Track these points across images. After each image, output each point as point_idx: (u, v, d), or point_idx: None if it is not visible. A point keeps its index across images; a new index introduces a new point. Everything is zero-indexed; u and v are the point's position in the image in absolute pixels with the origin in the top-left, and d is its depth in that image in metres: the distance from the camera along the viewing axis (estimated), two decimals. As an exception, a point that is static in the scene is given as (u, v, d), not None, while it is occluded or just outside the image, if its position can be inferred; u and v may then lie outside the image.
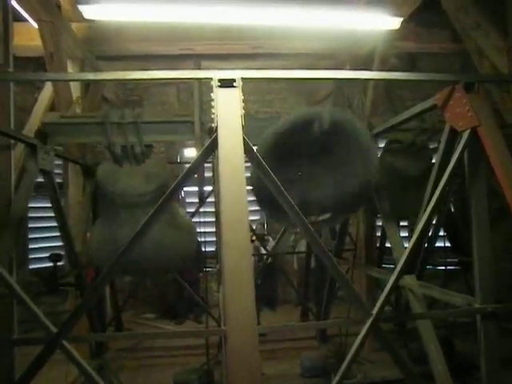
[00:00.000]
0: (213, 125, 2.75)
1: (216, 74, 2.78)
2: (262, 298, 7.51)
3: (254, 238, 6.89)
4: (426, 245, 5.72)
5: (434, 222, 5.11)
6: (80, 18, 5.05)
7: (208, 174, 5.38)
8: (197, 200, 6.40)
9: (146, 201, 4.03)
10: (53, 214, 4.44)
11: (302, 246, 8.05)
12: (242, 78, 2.78)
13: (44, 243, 8.06)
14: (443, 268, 6.80)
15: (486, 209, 3.03)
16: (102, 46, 6.13)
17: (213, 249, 5.82)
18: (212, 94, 2.79)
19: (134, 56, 6.59)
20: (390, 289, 2.95)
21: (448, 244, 6.50)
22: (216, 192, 4.74)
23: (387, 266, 6.08)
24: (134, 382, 5.13)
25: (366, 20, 4.66)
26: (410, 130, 4.56)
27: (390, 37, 5.42)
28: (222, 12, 4.19)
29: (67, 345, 2.59)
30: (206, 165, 4.69)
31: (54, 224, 4.60)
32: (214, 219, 4.86)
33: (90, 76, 3.15)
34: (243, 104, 2.75)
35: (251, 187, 3.52)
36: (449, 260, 6.74)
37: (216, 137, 2.59)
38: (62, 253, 5.14)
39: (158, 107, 9.17)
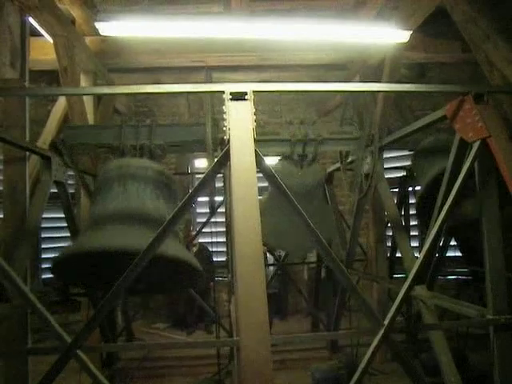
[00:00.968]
0: (225, 137, 2.80)
1: (228, 87, 2.83)
2: (273, 308, 7.50)
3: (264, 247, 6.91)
4: (437, 255, 5.72)
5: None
6: (93, 32, 5.17)
7: (218, 184, 5.43)
8: (207, 210, 6.46)
9: (142, 175, 3.73)
10: (65, 224, 4.52)
11: (313, 256, 8.05)
12: (254, 91, 2.82)
13: (56, 253, 8.13)
14: (455, 278, 6.77)
15: (498, 219, 3.02)
16: (114, 59, 6.23)
17: (223, 259, 5.85)
18: (224, 107, 2.84)
19: (146, 68, 6.70)
20: (402, 299, 2.95)
21: (459, 254, 6.47)
22: (227, 203, 4.79)
23: (398, 276, 6.07)
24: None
25: (375, 34, 4.70)
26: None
27: (399, 47, 5.45)
28: (234, 28, 4.29)
29: (82, 354, 2.62)
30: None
31: (67, 234, 4.68)
32: (223, 229, 4.91)
33: (105, 90, 3.22)
34: (254, 117, 2.79)
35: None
36: (460, 270, 6.71)
37: (228, 149, 2.63)
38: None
39: (169, 118, 9.27)
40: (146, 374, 5.73)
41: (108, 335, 5.54)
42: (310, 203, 4.52)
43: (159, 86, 2.97)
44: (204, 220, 6.80)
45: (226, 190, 4.69)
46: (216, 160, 2.74)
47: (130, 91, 3.05)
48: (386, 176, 4.64)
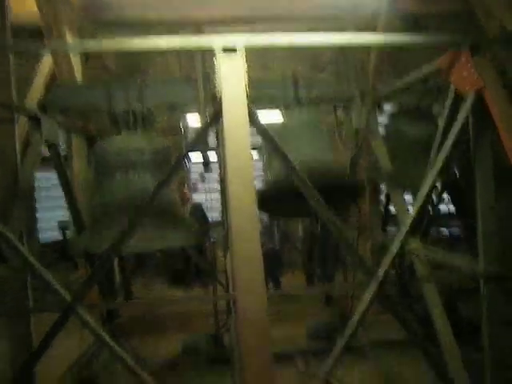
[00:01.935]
0: (216, 93, 2.74)
1: (218, 41, 2.74)
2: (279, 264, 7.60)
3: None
4: (430, 209, 5.78)
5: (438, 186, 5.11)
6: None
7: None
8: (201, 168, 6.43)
9: (143, 160, 3.82)
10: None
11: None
12: (246, 45, 2.74)
13: (51, 213, 8.15)
14: (447, 233, 6.87)
15: (491, 173, 3.02)
16: (100, 14, 6.00)
17: (218, 215, 5.88)
18: (215, 61, 2.75)
19: (134, 24, 6.46)
20: (395, 252, 2.99)
21: (452, 208, 6.54)
22: (221, 160, 4.76)
23: (392, 230, 6.14)
24: (146, 346, 5.27)
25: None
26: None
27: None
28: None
29: (82, 311, 2.67)
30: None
31: (61, 195, 4.66)
32: (218, 186, 4.90)
33: (91, 45, 3.12)
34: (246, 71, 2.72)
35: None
36: (452, 224, 6.80)
37: (220, 105, 2.58)
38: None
39: (160, 75, 9.04)
40: (145, 330, 5.86)
41: (107, 294, 5.64)
42: (314, 138, 4.46)
43: (147, 40, 2.87)
44: (198, 178, 6.80)
45: (220, 146, 4.66)
46: (209, 116, 2.70)
47: (116, 46, 2.94)
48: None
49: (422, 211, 3.19)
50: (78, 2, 5.64)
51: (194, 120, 9.26)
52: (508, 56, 4.18)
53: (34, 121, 3.98)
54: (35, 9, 4.86)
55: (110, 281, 6.29)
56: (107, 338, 2.73)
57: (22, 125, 4.59)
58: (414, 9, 6.29)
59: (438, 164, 3.04)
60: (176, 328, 5.85)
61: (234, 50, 2.71)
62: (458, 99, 3.17)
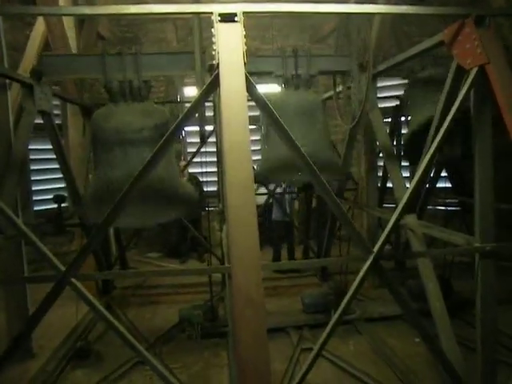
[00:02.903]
0: (214, 62, 2.67)
1: (216, 8, 2.65)
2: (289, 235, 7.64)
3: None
4: (427, 185, 5.77)
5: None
6: None
7: (209, 114, 5.31)
8: (198, 140, 6.38)
9: (143, 137, 3.78)
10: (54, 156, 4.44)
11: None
12: (244, 12, 2.66)
13: (47, 185, 8.10)
14: (443, 209, 6.89)
15: (490, 149, 2.99)
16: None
17: (214, 188, 5.86)
18: (212, 30, 2.68)
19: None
20: (391, 227, 2.98)
21: (449, 184, 6.54)
22: (218, 131, 4.70)
23: (388, 205, 6.15)
24: (141, 318, 5.32)
25: None
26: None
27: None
28: None
29: (76, 282, 2.66)
30: (206, 104, 4.63)
31: (56, 166, 4.61)
32: (215, 159, 4.87)
33: (86, 10, 3.01)
34: (245, 40, 2.65)
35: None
36: (449, 201, 6.81)
37: (217, 74, 2.51)
38: (66, 194, 5.17)
39: (156, 45, 8.86)
40: (140, 302, 5.92)
41: (103, 265, 5.66)
42: (310, 124, 4.42)
43: (143, 6, 2.77)
44: (194, 150, 6.76)
45: (217, 119, 4.59)
46: (205, 85, 2.63)
47: (111, 11, 2.84)
48: (379, 105, 4.56)
49: (419, 187, 3.16)
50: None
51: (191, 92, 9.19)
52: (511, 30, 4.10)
53: (27, 88, 3.89)
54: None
55: (107, 253, 6.32)
56: (102, 309, 2.73)
57: (14, 94, 4.51)
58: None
59: (437, 139, 2.99)
60: (171, 299, 5.92)
61: (232, 17, 2.63)
62: (461, 74, 3.10)
